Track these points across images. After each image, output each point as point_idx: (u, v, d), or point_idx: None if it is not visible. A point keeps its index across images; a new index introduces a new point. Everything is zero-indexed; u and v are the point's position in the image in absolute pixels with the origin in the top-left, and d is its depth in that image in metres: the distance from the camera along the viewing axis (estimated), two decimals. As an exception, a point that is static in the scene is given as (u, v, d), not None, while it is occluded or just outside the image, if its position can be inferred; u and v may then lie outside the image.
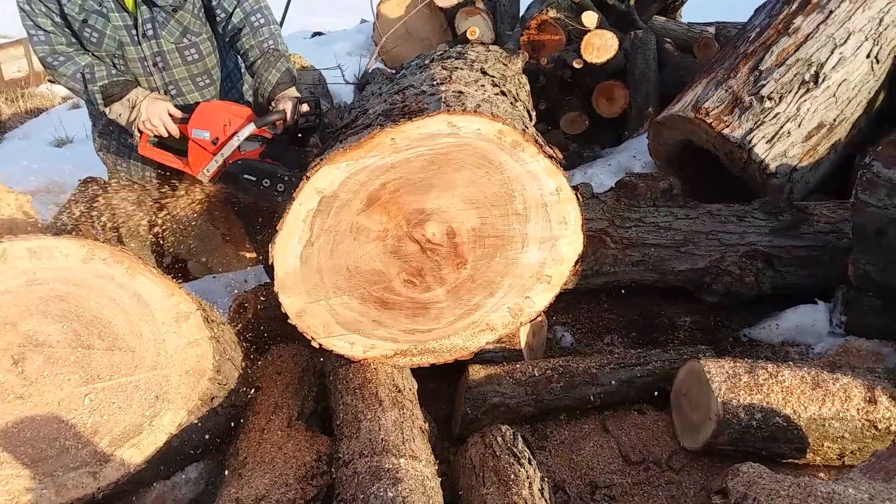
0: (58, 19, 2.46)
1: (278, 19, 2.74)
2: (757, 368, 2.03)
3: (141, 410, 1.84)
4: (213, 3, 2.58)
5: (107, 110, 2.57)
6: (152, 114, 2.52)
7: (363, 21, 7.31)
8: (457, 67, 2.67)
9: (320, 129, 2.63)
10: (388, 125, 1.89)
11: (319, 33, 7.38)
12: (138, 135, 2.60)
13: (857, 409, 1.99)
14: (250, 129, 2.43)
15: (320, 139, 3.13)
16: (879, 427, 1.98)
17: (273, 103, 2.55)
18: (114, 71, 2.55)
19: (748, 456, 1.95)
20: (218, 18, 2.62)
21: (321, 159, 1.93)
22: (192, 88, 2.74)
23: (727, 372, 2.02)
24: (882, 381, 2.04)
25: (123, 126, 2.62)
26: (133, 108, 2.54)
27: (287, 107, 2.49)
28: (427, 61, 2.98)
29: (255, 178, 2.43)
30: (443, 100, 2.02)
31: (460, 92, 2.17)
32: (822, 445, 2.00)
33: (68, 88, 2.62)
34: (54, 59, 2.52)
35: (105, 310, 1.84)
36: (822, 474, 2.04)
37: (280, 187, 2.37)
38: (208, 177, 2.50)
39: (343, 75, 5.22)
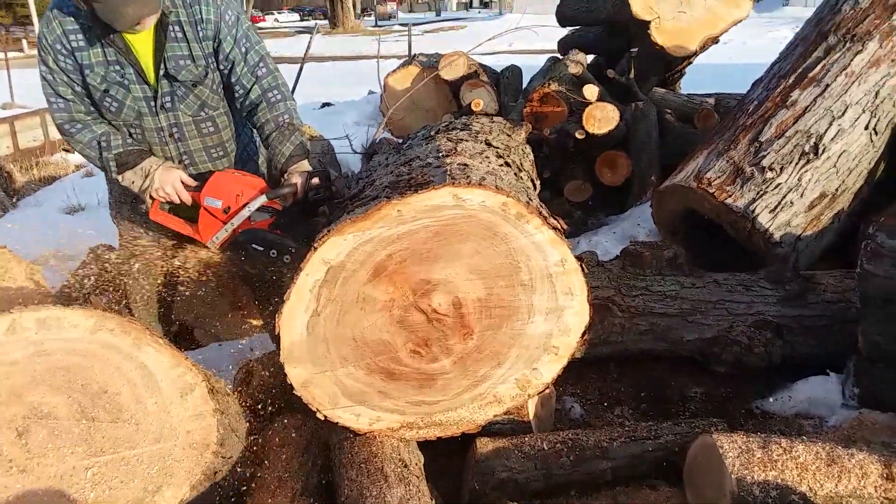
0: (79, 88, 2.54)
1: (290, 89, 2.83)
2: (770, 443, 1.99)
3: (143, 485, 1.80)
4: (233, 79, 2.64)
5: (119, 178, 2.63)
6: (165, 181, 2.57)
7: (371, 92, 7.53)
8: (462, 139, 2.73)
9: (330, 200, 2.68)
10: (394, 197, 1.93)
11: (329, 104, 7.59)
12: (150, 201, 2.65)
13: (875, 487, 1.93)
14: (261, 200, 2.48)
15: (328, 209, 3.18)
16: (899, 505, 1.92)
17: (285, 176, 2.60)
18: (129, 140, 2.62)
19: (764, 535, 1.89)
20: (236, 94, 2.69)
21: (329, 230, 1.95)
22: (206, 159, 2.80)
23: (740, 447, 1.98)
24: (899, 457, 1.99)
25: (136, 193, 2.67)
26: (146, 176, 2.60)
27: (298, 180, 2.54)
28: (433, 132, 3.05)
29: (262, 249, 2.46)
30: (448, 172, 2.06)
31: (465, 164, 2.21)
32: (841, 524, 1.94)
33: (83, 155, 2.68)
34: (72, 125, 2.58)
35: (111, 381, 1.84)
36: (841, 555, 1.97)
37: (287, 258, 2.39)
38: (217, 245, 2.54)
39: (351, 144, 5.34)
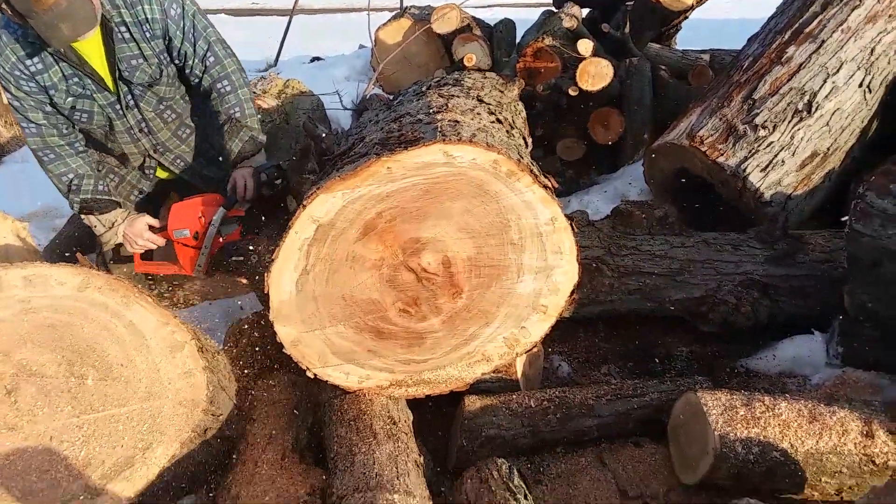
0: (48, 108, 2.56)
1: (276, 49, 2.85)
2: (754, 401, 2.02)
3: (133, 442, 1.81)
4: (186, 71, 2.68)
5: (82, 216, 2.72)
6: (135, 235, 2.65)
7: (361, 46, 7.36)
8: (453, 95, 2.69)
9: (286, 191, 2.74)
10: (384, 154, 1.90)
11: (318, 58, 7.43)
12: (112, 246, 2.76)
13: (855, 444, 1.97)
14: (221, 213, 2.57)
15: (318, 166, 3.19)
16: (877, 462, 1.96)
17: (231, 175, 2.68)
18: (100, 186, 2.67)
19: (746, 491, 1.93)
20: (192, 83, 2.74)
21: (318, 188, 1.93)
22: (177, 143, 2.89)
23: (724, 404, 2.01)
24: (879, 415, 2.02)
25: (94, 234, 2.78)
26: (110, 228, 2.70)
27: (238, 181, 2.63)
28: (424, 88, 3.00)
29: (243, 258, 2.56)
30: (439, 129, 2.03)
31: (456, 121, 2.18)
32: (820, 480, 1.98)
33: (53, 183, 2.71)
34: (44, 154, 2.61)
35: (99, 339, 1.83)
36: (820, 509, 2.03)
37: (268, 258, 2.45)
38: (202, 271, 2.62)
39: (341, 100, 5.25)
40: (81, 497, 1.74)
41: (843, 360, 2.52)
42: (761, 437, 1.95)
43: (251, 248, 2.57)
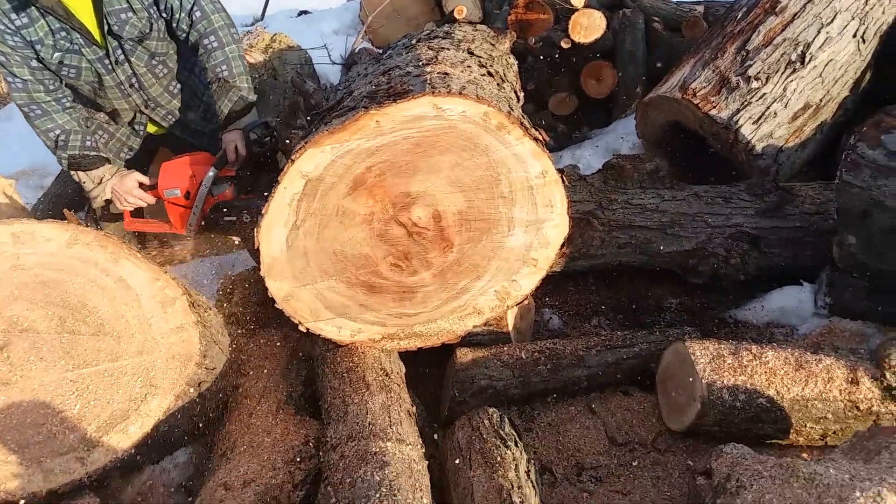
0: (35, 64, 2.50)
1: (263, 3, 2.79)
2: (741, 350, 2.05)
3: (128, 396, 1.83)
4: (173, 25, 2.63)
5: (71, 172, 2.68)
6: (125, 192, 2.60)
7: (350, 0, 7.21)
8: (443, 48, 2.65)
9: (276, 149, 2.72)
10: (372, 107, 1.88)
11: (306, 12, 7.27)
12: (101, 203, 2.73)
13: (840, 390, 2.01)
14: (213, 173, 2.54)
15: (307, 122, 3.16)
16: (861, 408, 2.00)
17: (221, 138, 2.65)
18: (88, 142, 2.62)
19: (733, 437, 1.97)
20: (179, 37, 2.68)
21: (306, 142, 1.91)
22: (169, 98, 2.85)
23: (711, 353, 2.04)
24: (864, 363, 2.05)
25: (83, 190, 2.75)
26: (98, 184, 2.66)
27: (229, 145, 2.59)
28: (413, 41, 2.95)
29: (235, 217, 2.55)
30: (428, 81, 2.01)
31: (446, 73, 2.15)
32: (805, 426, 2.02)
33: (41, 139, 2.67)
34: (31, 110, 2.56)
35: (90, 295, 1.83)
36: (805, 455, 2.07)
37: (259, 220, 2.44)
38: (194, 229, 2.60)
39: (329, 55, 5.17)
40: (78, 449, 1.76)
41: (831, 310, 2.56)
42: (748, 385, 1.98)
43: (243, 206, 2.56)
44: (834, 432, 2.04)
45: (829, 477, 1.58)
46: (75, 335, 1.80)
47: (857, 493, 1.49)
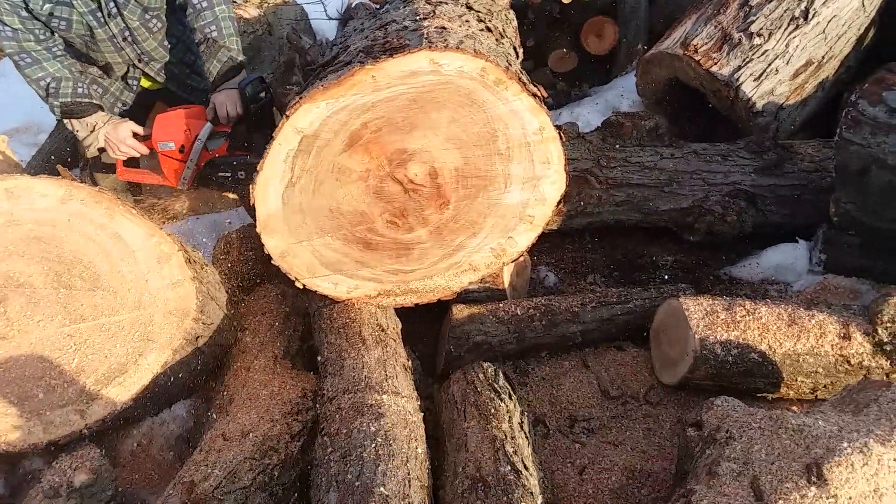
0: (24, 13, 2.44)
1: None
2: (734, 305, 2.06)
3: (125, 350, 1.85)
4: None
5: (64, 121, 2.64)
6: (119, 140, 2.56)
7: (347, -47, 7.05)
8: (441, 2, 2.60)
9: (272, 103, 2.68)
10: (368, 62, 1.85)
11: (302, -34, 7.13)
12: (94, 152, 2.70)
13: (832, 345, 2.03)
14: (208, 128, 2.51)
15: (303, 78, 3.12)
16: (852, 362, 2.02)
17: (210, 99, 2.60)
18: (80, 89, 2.57)
19: (724, 390, 1.99)
20: None
21: (300, 98, 1.90)
22: (163, 53, 2.80)
23: (705, 309, 2.06)
24: (857, 318, 2.07)
25: (77, 140, 2.71)
26: (92, 131, 2.62)
27: (220, 107, 2.54)
28: (411, -5, 2.90)
29: (230, 174, 2.52)
30: (425, 36, 1.98)
31: (443, 28, 2.12)
32: (796, 380, 2.05)
33: (33, 89, 2.62)
34: (21, 58, 2.51)
35: (85, 250, 1.84)
36: (794, 408, 2.10)
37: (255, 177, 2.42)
38: (187, 184, 2.57)
39: (325, 10, 5.08)
40: (77, 402, 1.79)
41: (826, 266, 2.57)
42: (741, 340, 2.01)
43: (238, 163, 2.54)
44: (824, 386, 2.07)
45: (817, 428, 1.60)
46: (71, 290, 1.81)
47: (845, 444, 1.52)
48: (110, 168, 2.72)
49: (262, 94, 2.59)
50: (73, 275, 1.81)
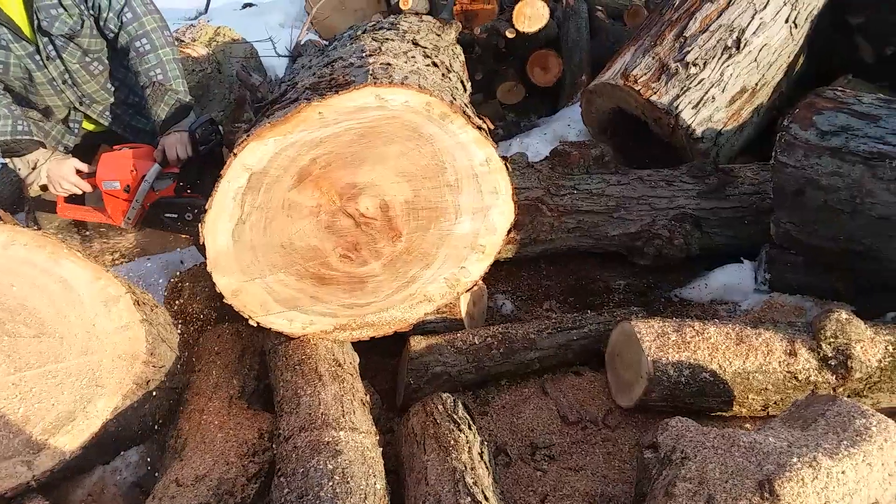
0: None
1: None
2: (684, 327, 2.11)
3: (73, 397, 1.79)
4: (101, 24, 2.56)
5: (5, 160, 2.59)
6: (60, 177, 2.52)
7: (296, -8, 7.12)
8: (388, 38, 2.65)
9: (222, 144, 2.69)
10: (315, 99, 1.87)
11: (251, 4, 7.17)
12: (37, 190, 2.63)
13: (779, 362, 2.09)
14: (156, 169, 2.49)
15: (254, 115, 3.13)
16: (799, 378, 2.08)
17: (159, 141, 2.58)
18: (19, 126, 2.52)
19: (679, 411, 2.03)
20: (108, 37, 2.61)
21: (248, 135, 1.90)
22: (105, 95, 2.79)
23: (656, 331, 2.10)
24: (801, 334, 2.13)
25: (20, 177, 2.65)
26: (34, 169, 2.56)
27: (169, 152, 2.52)
28: (359, 32, 2.94)
29: (176, 215, 2.50)
30: (370, 72, 2.01)
31: (388, 64, 2.16)
32: (747, 398, 2.10)
33: None
34: None
35: (30, 296, 1.79)
36: (748, 425, 2.15)
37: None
38: (132, 223, 2.54)
39: (275, 47, 5.11)
40: (23, 453, 1.72)
41: (771, 285, 2.65)
42: (692, 360, 2.05)
43: (186, 204, 2.51)
44: (775, 402, 2.12)
45: (768, 445, 1.64)
46: (16, 338, 1.75)
47: (795, 459, 1.56)
48: (53, 206, 2.66)
49: (213, 136, 2.58)
50: (18, 321, 1.76)
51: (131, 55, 2.54)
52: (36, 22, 2.41)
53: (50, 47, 2.50)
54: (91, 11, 2.51)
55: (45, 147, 2.60)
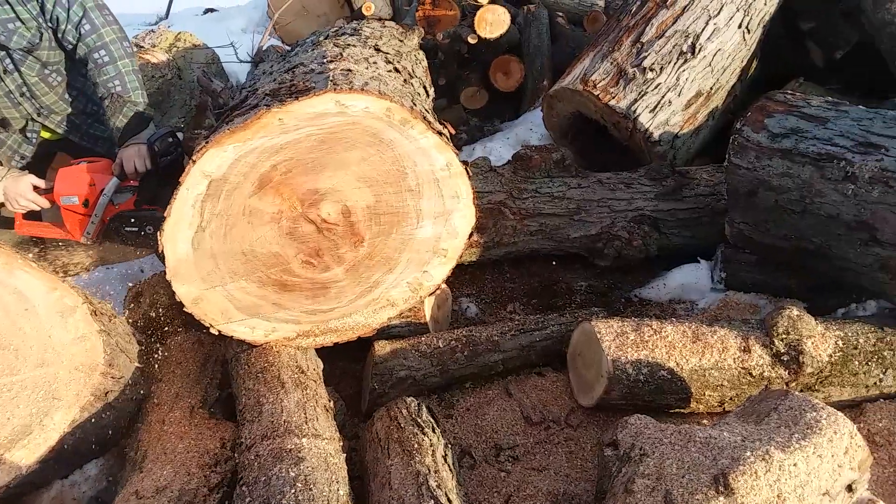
0: None
1: (167, 0, 2.70)
2: (643, 326, 2.16)
3: (29, 410, 1.76)
4: (59, 36, 2.54)
5: None
6: (17, 194, 2.49)
7: (258, -3, 7.07)
8: (349, 45, 2.65)
9: (183, 156, 2.67)
10: (274, 105, 1.87)
11: (212, 9, 7.10)
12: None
13: (734, 359, 2.14)
14: (115, 183, 2.48)
15: (215, 122, 3.11)
16: (754, 374, 2.14)
17: (118, 154, 2.56)
18: None
19: (639, 408, 2.07)
20: (66, 48, 2.59)
21: (207, 142, 1.89)
22: (64, 106, 2.77)
23: (616, 331, 2.14)
24: (755, 331, 2.19)
25: None
26: None
27: (126, 165, 2.50)
28: (321, 38, 2.95)
29: (136, 228, 2.49)
30: (330, 78, 2.02)
31: (349, 70, 2.17)
32: (704, 394, 2.15)
33: None
34: None
35: (-18, 309, 1.75)
36: (705, 421, 2.20)
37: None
38: (91, 238, 2.52)
39: (237, 53, 5.07)
40: (-24, 469, 1.69)
41: (727, 284, 2.72)
42: (650, 359, 2.09)
43: (145, 217, 2.49)
44: (731, 398, 2.17)
45: (723, 440, 1.68)
46: (-32, 351, 1.72)
47: (748, 454, 1.60)
48: (9, 223, 2.61)
49: (172, 149, 2.56)
50: (-31, 335, 1.72)
51: (90, 66, 2.52)
52: None
53: (7, 60, 2.47)
54: (49, 24, 2.49)
55: (1, 165, 2.57)
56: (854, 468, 1.64)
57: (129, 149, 2.51)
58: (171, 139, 2.54)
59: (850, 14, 3.42)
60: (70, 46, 2.54)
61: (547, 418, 2.23)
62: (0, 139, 2.76)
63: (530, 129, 4.02)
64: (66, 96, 2.74)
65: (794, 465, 1.57)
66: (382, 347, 2.30)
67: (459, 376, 2.36)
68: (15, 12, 2.38)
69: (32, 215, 2.57)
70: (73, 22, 2.46)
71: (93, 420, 1.86)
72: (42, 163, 2.92)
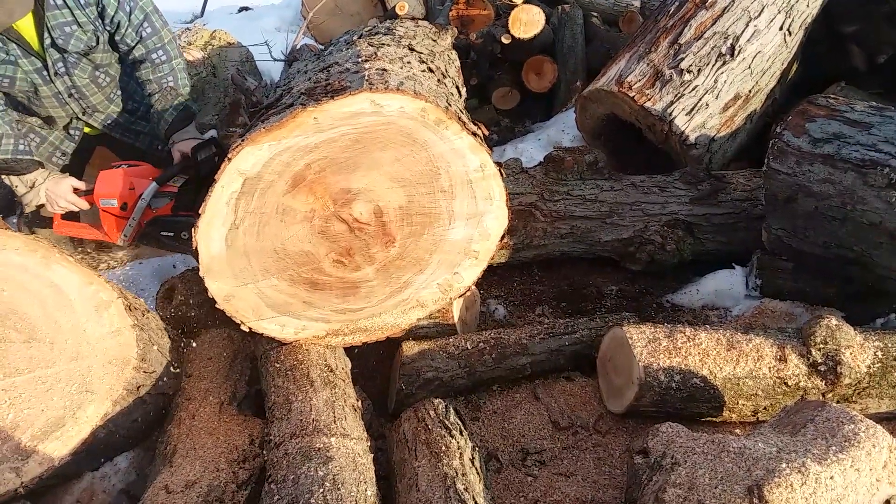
0: None
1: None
2: (675, 332, 2.12)
3: (63, 403, 1.79)
4: (118, 38, 2.61)
5: (2, 176, 2.64)
6: (58, 196, 2.55)
7: (292, -5, 7.13)
8: (384, 44, 2.65)
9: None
10: (310, 104, 1.87)
11: (246, 8, 7.18)
12: (33, 207, 2.67)
13: (769, 368, 2.09)
14: (153, 188, 2.51)
15: (249, 120, 3.14)
16: (789, 384, 2.09)
17: (171, 149, 2.63)
18: (21, 146, 2.55)
19: (669, 416, 2.04)
20: (121, 50, 2.67)
21: (243, 140, 1.90)
22: (108, 105, 2.83)
23: (648, 337, 2.11)
24: (792, 340, 2.14)
25: (15, 194, 2.72)
26: (31, 188, 2.61)
27: (182, 156, 2.57)
28: (355, 37, 2.94)
29: (172, 234, 2.53)
30: (366, 78, 2.01)
31: (384, 69, 2.16)
32: (738, 403, 2.10)
33: None
34: None
35: (20, 301, 1.79)
36: (738, 430, 2.16)
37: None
38: (128, 241, 2.56)
39: (270, 52, 5.11)
40: (12, 459, 1.72)
41: (762, 291, 2.66)
42: (682, 366, 2.06)
43: (182, 223, 2.52)
44: (764, 408, 2.13)
45: (757, 451, 1.65)
46: (6, 343, 1.75)
47: (784, 465, 1.56)
48: (49, 222, 2.67)
49: (213, 159, 2.59)
50: (7, 326, 1.75)
51: (145, 65, 2.62)
52: (48, 39, 2.44)
53: (60, 63, 2.53)
54: (108, 27, 2.57)
55: (44, 167, 2.64)
56: (893, 483, 1.59)
57: (184, 143, 2.61)
58: (214, 148, 2.58)
59: (893, 17, 3.33)
60: (126, 48, 2.62)
61: (575, 423, 2.21)
62: (42, 135, 2.82)
63: (562, 130, 3.98)
64: (112, 95, 2.81)
65: (831, 478, 1.53)
66: (410, 348, 2.29)
67: (487, 379, 2.34)
68: (73, 16, 2.45)
69: (71, 216, 2.63)
70: (133, 25, 2.55)
71: (124, 413, 1.88)
72: (82, 157, 2.98)
